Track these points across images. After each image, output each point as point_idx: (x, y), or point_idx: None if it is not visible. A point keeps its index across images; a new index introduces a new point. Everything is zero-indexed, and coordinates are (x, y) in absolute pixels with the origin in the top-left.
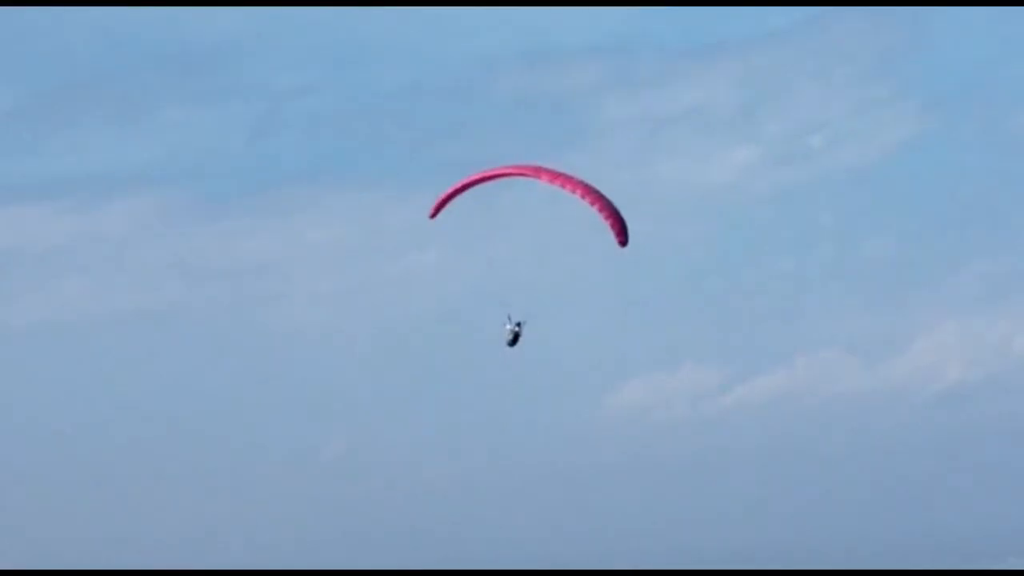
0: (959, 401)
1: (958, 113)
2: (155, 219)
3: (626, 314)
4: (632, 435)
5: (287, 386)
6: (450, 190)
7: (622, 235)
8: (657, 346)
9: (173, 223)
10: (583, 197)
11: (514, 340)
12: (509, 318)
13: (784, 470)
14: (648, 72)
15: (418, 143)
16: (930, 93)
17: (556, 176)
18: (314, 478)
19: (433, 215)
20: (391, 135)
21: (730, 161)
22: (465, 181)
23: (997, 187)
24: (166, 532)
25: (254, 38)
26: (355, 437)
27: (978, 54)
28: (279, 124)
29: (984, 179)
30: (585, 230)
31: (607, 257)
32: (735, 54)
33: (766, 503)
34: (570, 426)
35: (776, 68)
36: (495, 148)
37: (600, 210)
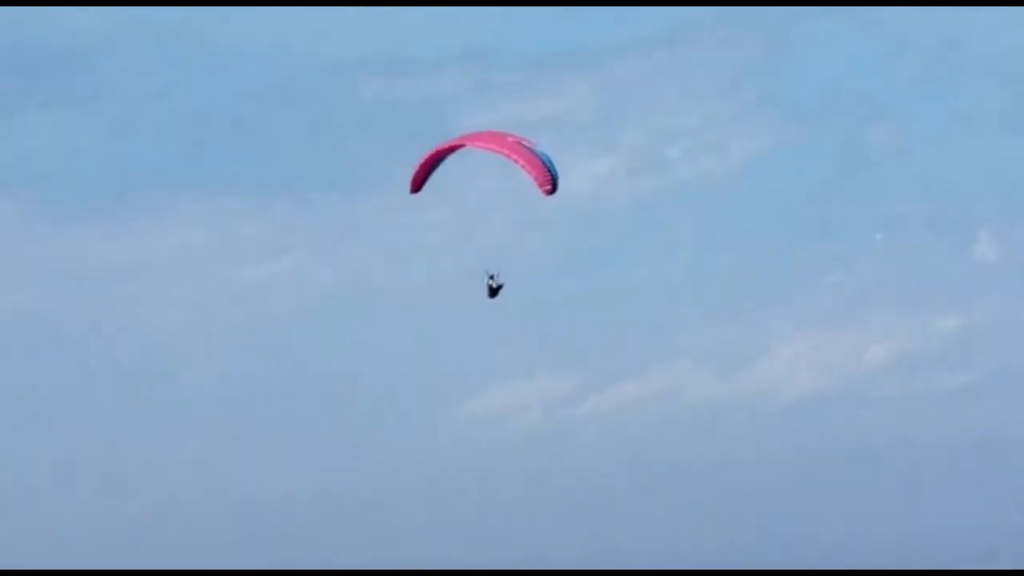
0: (811, 412)
1: (815, 126)
2: (11, 223)
3: (482, 322)
4: (487, 442)
5: (142, 391)
6: (421, 162)
7: (546, 184)
8: (513, 354)
9: (29, 228)
10: (509, 155)
11: (493, 292)
12: (486, 272)
13: (636, 478)
14: (507, 80)
15: (276, 149)
16: (788, 105)
17: (493, 141)
18: (170, 483)
19: (415, 190)
20: (249, 140)
21: (588, 170)
22: (432, 152)
23: (852, 200)
24: (20, 535)
25: (111, 41)
26: (212, 442)
27: (837, 67)
28: (137, 128)
29: (839, 191)
30: (443, 236)
31: (462, 264)
32: (594, 63)
33: (619, 510)
34: (426, 433)
35: (635, 77)
36: (353, 155)
37: (523, 165)
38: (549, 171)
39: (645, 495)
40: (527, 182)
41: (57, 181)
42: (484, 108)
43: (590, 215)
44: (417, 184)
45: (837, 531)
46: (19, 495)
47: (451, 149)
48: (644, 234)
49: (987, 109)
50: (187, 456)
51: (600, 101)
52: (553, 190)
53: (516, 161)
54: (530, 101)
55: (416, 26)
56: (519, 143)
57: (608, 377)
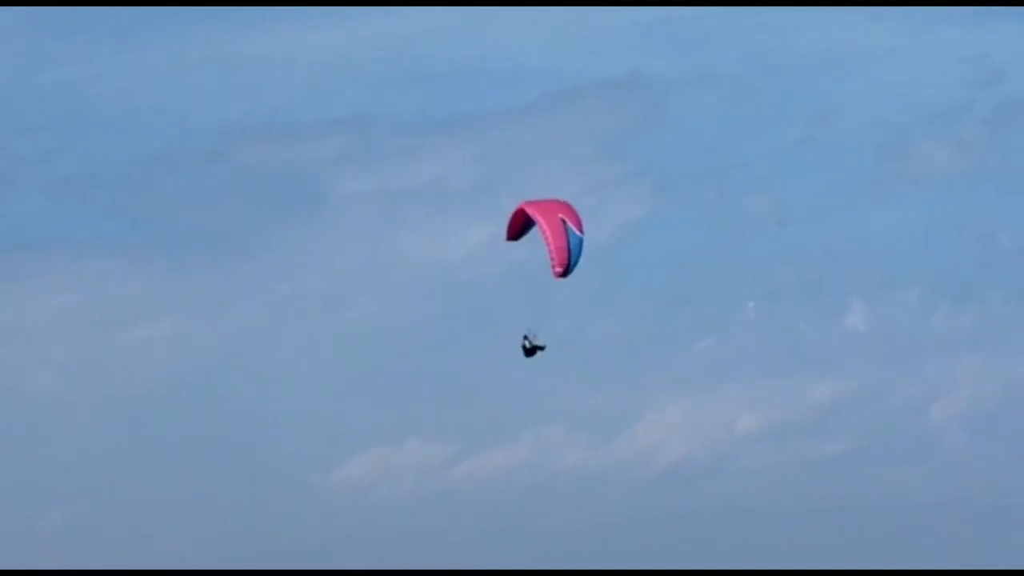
0: (682, 480)
1: (692, 194)
2: None
3: (355, 388)
4: (356, 510)
5: (9, 454)
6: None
7: (557, 267)
8: (384, 421)
9: None
10: (544, 229)
11: (529, 352)
12: (525, 335)
13: (507, 545)
14: (386, 146)
15: (154, 212)
16: (666, 173)
17: (545, 212)
18: (36, 553)
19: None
20: (130, 203)
21: (465, 237)
22: (516, 210)
23: (725, 267)
24: None
25: None
26: (77, 510)
27: (714, 136)
28: (19, 189)
29: (713, 258)
30: (318, 303)
31: (337, 331)
32: (473, 130)
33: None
34: (296, 501)
35: (513, 144)
36: (231, 219)
37: (548, 240)
38: (568, 256)
39: (515, 562)
40: (407, 245)
41: None
42: (363, 173)
43: (466, 281)
44: (511, 234)
45: None
46: None
47: (520, 209)
48: (518, 300)
49: (861, 180)
50: (53, 524)
51: (478, 167)
52: (564, 274)
53: (545, 236)
54: (410, 167)
55: (297, 91)
56: (563, 221)
57: (480, 443)
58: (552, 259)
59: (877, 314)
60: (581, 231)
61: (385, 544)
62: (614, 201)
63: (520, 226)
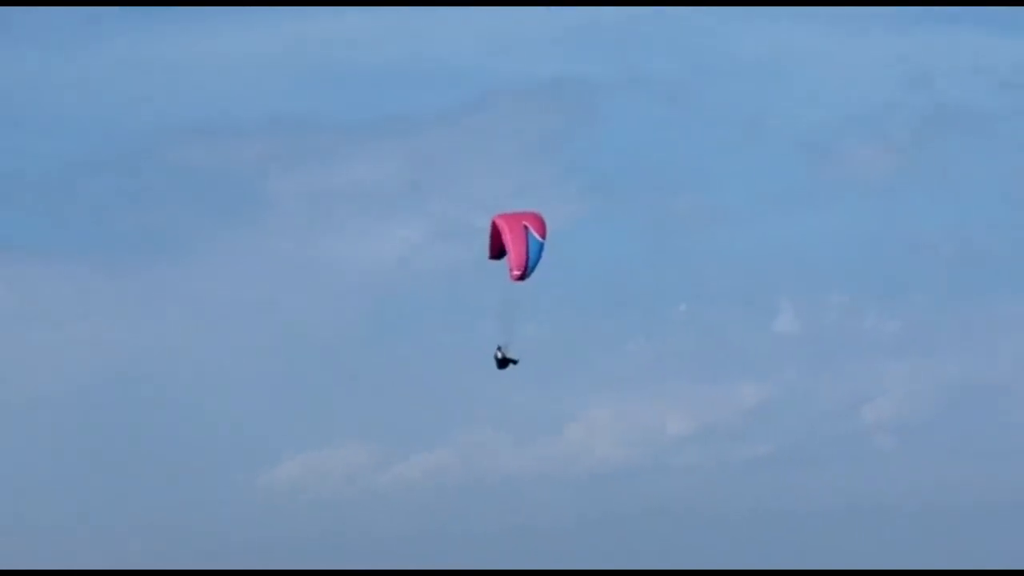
0: (611, 481)
1: (621, 196)
2: None
3: (287, 391)
4: (287, 512)
5: None
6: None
7: (516, 270)
8: (314, 423)
9: None
10: (505, 234)
11: (502, 364)
12: (498, 347)
13: (437, 547)
14: (316, 147)
15: (82, 213)
16: (595, 175)
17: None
18: None
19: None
20: (57, 205)
21: (395, 237)
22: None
23: (656, 269)
24: None
25: None
26: (4, 512)
27: (644, 138)
28: None
29: (643, 261)
30: (248, 304)
31: (267, 332)
32: (404, 131)
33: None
34: (221, 503)
35: (444, 146)
36: (159, 220)
37: (508, 244)
38: (527, 260)
39: (444, 564)
40: (336, 246)
41: None
42: (294, 174)
43: (397, 282)
44: (493, 251)
45: None
46: None
47: (493, 222)
48: (450, 301)
49: (792, 182)
50: None
51: (409, 169)
52: (521, 276)
53: (506, 242)
54: (340, 168)
55: (227, 92)
56: (525, 227)
57: (410, 445)
58: (510, 263)
59: (807, 317)
60: (543, 236)
61: (316, 546)
62: (545, 203)
63: (499, 241)
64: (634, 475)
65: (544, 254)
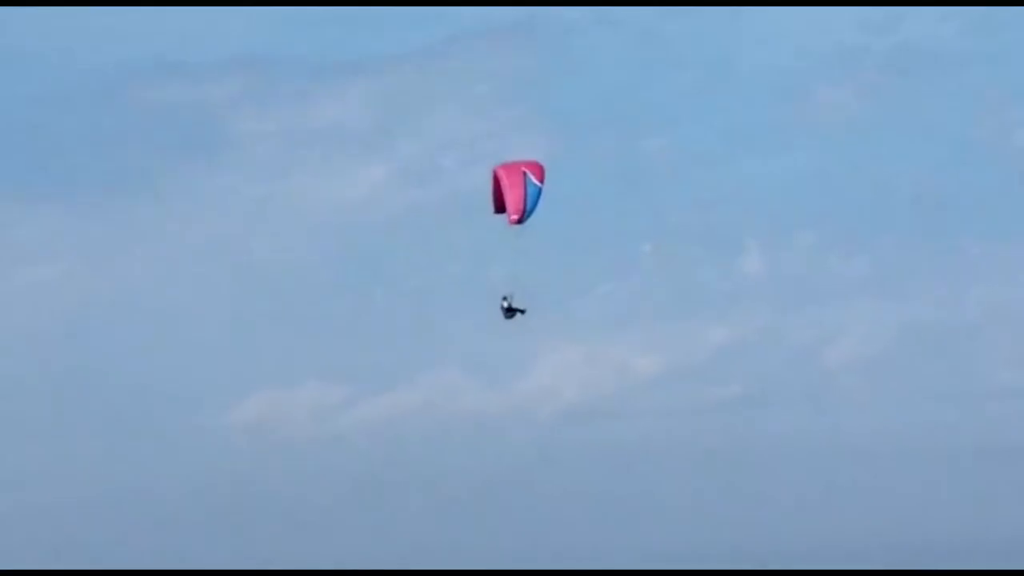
0: (578, 422)
1: (589, 136)
2: None
3: (252, 330)
4: (255, 449)
5: None
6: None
7: (514, 214)
8: (281, 362)
9: None
10: (503, 180)
11: (510, 312)
12: (504, 296)
13: (404, 486)
14: (284, 87)
15: (47, 152)
16: (563, 116)
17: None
18: None
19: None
20: (22, 144)
21: (363, 178)
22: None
23: (625, 210)
24: None
25: None
26: None
27: (612, 79)
28: None
29: (613, 202)
30: (215, 244)
31: (233, 272)
32: (372, 72)
33: (386, 518)
34: (194, 441)
35: (412, 87)
36: (126, 160)
37: (507, 189)
38: (524, 203)
39: (413, 503)
40: (305, 187)
41: None
42: (261, 114)
43: (362, 223)
44: (497, 204)
45: (602, 540)
46: None
47: (494, 172)
48: (418, 242)
49: (758, 124)
50: None
51: (376, 109)
52: (520, 220)
53: (504, 187)
54: (307, 108)
55: (194, 30)
56: (524, 173)
57: (378, 385)
58: (508, 207)
59: (773, 258)
60: (541, 182)
61: (280, 483)
62: (513, 144)
63: (501, 193)
64: (601, 416)
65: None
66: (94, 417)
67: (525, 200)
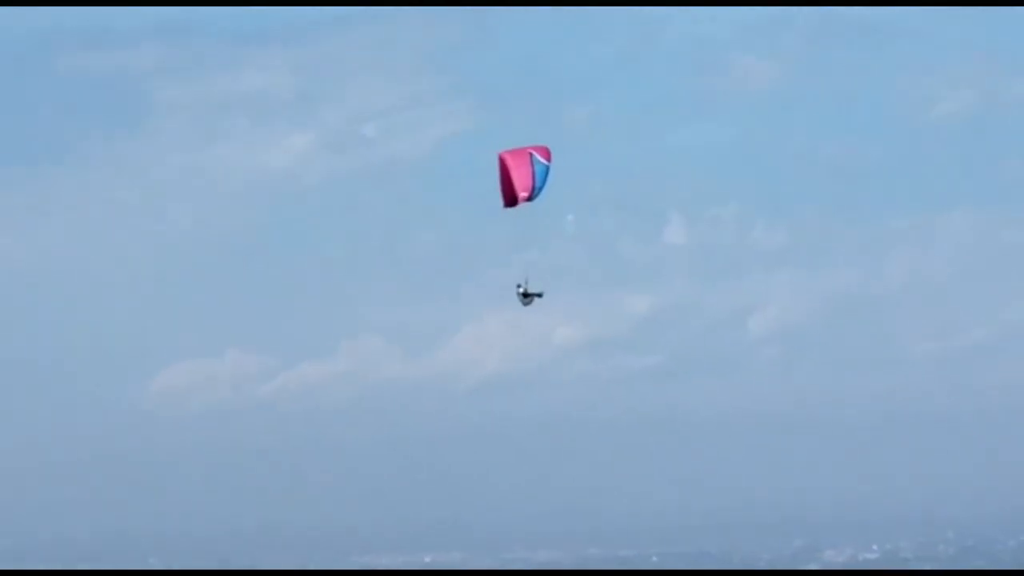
0: (499, 391)
1: (511, 107)
2: None
3: (172, 299)
4: (174, 418)
5: None
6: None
7: (523, 192)
8: (203, 332)
9: None
10: (508, 162)
11: (526, 297)
12: (519, 284)
13: (323, 454)
14: (206, 55)
15: None
16: (485, 87)
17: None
18: None
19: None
20: None
21: (285, 147)
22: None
23: (547, 180)
24: None
25: None
26: None
27: (534, 50)
28: None
29: None
30: (136, 213)
31: (155, 241)
32: (295, 41)
33: (304, 485)
34: (113, 410)
35: (335, 57)
36: (45, 128)
37: (512, 169)
38: (532, 180)
39: (330, 471)
40: (226, 156)
41: None
42: (182, 82)
43: (285, 192)
44: (507, 198)
45: (522, 507)
46: None
47: (500, 157)
48: (339, 211)
49: (680, 95)
50: None
51: (299, 78)
52: (529, 197)
53: (509, 168)
54: (229, 76)
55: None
56: (530, 154)
57: (298, 355)
58: (516, 187)
59: (695, 228)
60: (548, 160)
61: (201, 453)
62: (435, 114)
63: (509, 180)
64: (522, 385)
65: (434, 164)
66: (13, 387)
67: (533, 177)
